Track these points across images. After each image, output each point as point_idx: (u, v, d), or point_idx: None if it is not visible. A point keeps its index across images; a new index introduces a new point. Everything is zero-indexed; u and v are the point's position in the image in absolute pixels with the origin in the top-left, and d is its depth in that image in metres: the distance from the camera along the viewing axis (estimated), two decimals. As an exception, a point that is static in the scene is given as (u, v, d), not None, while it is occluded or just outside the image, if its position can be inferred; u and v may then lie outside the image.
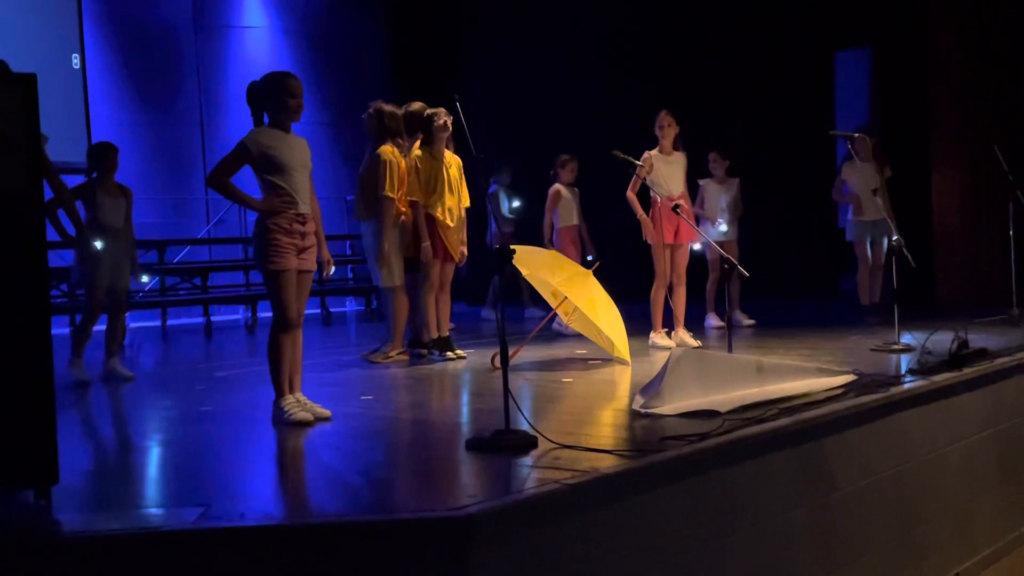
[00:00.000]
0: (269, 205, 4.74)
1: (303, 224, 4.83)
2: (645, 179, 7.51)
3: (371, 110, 7.32)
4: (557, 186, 9.43)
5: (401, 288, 7.24)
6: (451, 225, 7.16)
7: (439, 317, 7.24)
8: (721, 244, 8.24)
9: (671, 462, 3.68)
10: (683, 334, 7.57)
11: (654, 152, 7.59)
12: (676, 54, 11.49)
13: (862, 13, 10.44)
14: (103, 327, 7.01)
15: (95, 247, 6.68)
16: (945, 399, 5.18)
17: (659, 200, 7.52)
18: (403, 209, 7.15)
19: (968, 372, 5.40)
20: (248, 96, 4.88)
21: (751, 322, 8.71)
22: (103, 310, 6.88)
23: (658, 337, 7.51)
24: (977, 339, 5.93)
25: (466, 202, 7.32)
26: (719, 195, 9.03)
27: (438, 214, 7.09)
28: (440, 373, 6.69)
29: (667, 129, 7.56)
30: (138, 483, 4.02)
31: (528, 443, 3.92)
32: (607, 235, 10.19)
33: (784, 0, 10.96)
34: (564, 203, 9.41)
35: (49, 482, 3.36)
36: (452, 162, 7.24)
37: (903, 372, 5.32)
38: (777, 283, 10.39)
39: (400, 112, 7.34)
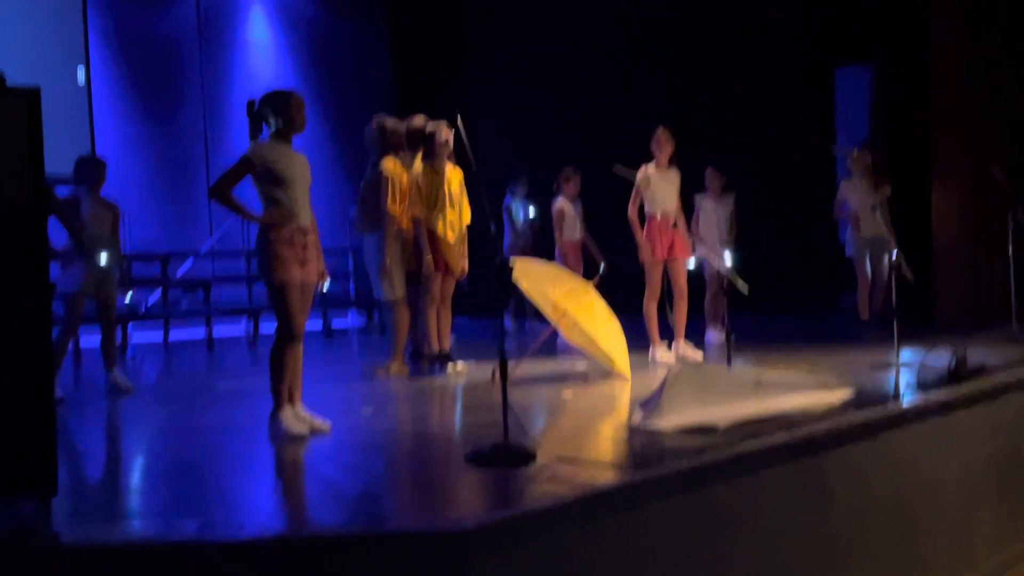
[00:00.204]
0: (271, 218, 4.78)
1: (304, 236, 4.87)
2: (642, 195, 7.56)
3: (373, 124, 7.35)
4: (561, 201, 9.46)
5: (402, 302, 7.25)
6: (452, 239, 7.18)
7: (440, 331, 7.25)
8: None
9: (670, 477, 3.70)
10: (684, 347, 7.58)
11: (650, 168, 7.62)
12: (678, 69, 11.53)
13: (863, 30, 10.48)
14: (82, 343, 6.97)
15: (98, 257, 6.67)
16: (944, 415, 5.18)
17: (657, 216, 7.55)
18: (405, 223, 7.18)
19: (967, 388, 5.40)
20: (251, 110, 4.92)
21: (722, 339, 8.62)
22: (80, 323, 6.84)
23: (658, 352, 7.52)
24: (976, 355, 5.93)
25: (467, 217, 7.34)
26: (715, 211, 9.04)
27: (439, 228, 7.11)
28: (440, 386, 6.70)
29: (664, 145, 7.60)
30: (137, 494, 4.03)
31: (527, 457, 3.93)
32: (609, 249, 10.21)
33: (785, 16, 11.00)
34: (567, 217, 9.44)
35: (49, 493, 3.38)
36: (453, 177, 7.27)
37: (902, 388, 5.32)
38: (778, 298, 10.39)
39: (402, 127, 7.37)
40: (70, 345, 7.37)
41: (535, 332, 9.35)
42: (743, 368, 5.88)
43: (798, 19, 10.90)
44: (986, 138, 9.43)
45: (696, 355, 7.56)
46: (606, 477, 3.62)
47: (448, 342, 7.33)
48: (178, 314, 12.05)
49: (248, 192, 4.87)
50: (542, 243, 10.08)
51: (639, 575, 3.51)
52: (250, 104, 4.95)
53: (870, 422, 4.68)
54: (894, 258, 6.68)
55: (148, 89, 12.98)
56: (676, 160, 7.72)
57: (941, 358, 5.66)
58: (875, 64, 10.50)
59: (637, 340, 7.33)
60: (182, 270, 12.85)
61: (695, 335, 8.03)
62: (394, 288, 7.18)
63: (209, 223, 13.32)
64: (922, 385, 5.32)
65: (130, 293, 7.36)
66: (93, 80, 12.27)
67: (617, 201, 7.87)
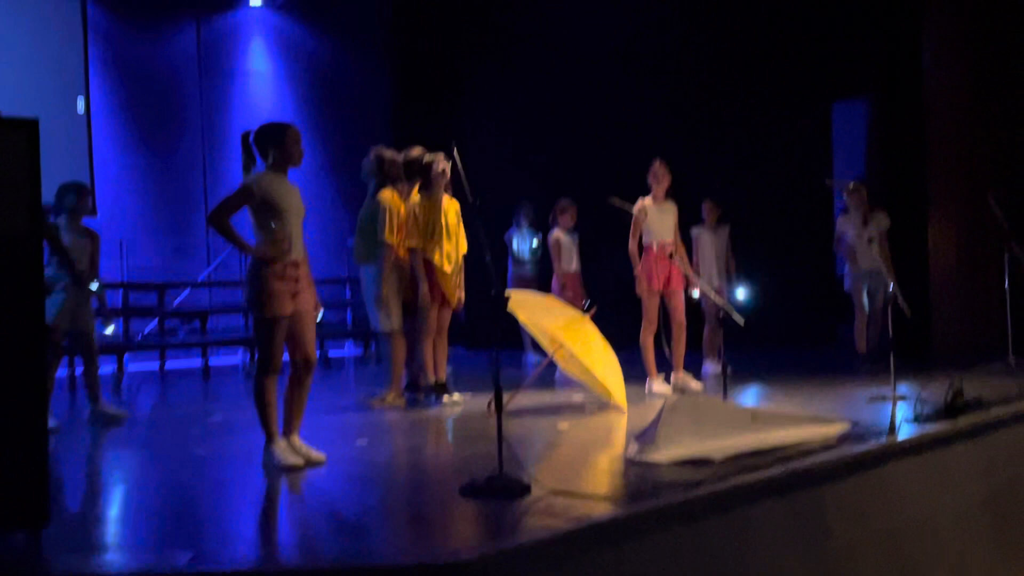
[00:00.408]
0: (266, 252, 4.77)
1: (296, 268, 4.87)
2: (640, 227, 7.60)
3: (372, 155, 7.39)
4: (557, 233, 9.49)
5: (399, 332, 7.26)
6: (449, 270, 7.19)
7: (436, 361, 7.25)
8: (716, 291, 8.27)
9: (665, 510, 3.69)
10: (684, 378, 7.58)
11: (647, 200, 7.66)
12: (676, 102, 11.59)
13: (860, 64, 10.55)
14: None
15: (81, 288, 6.59)
16: (940, 449, 5.17)
17: (654, 248, 7.58)
18: (402, 254, 7.19)
19: (963, 422, 5.40)
20: (245, 141, 4.94)
21: (718, 371, 8.60)
22: (60, 355, 6.63)
23: (655, 383, 7.51)
24: (972, 389, 5.93)
25: (463, 247, 7.36)
26: (712, 243, 9.07)
27: (436, 259, 7.13)
28: (436, 417, 6.68)
29: (661, 178, 7.65)
30: (129, 526, 4.01)
31: (522, 489, 3.92)
32: (607, 280, 10.22)
33: (783, 50, 11.08)
34: (564, 249, 9.47)
35: (40, 523, 3.36)
36: (450, 208, 7.29)
37: (898, 422, 5.31)
38: (775, 331, 10.39)
39: (400, 158, 7.40)
40: (59, 375, 7.25)
41: (532, 364, 9.35)
42: (739, 401, 5.87)
43: (796, 53, 10.98)
44: (982, 171, 9.48)
45: (696, 386, 7.56)
46: (601, 510, 3.61)
47: (444, 373, 7.33)
48: (174, 344, 12.04)
49: (243, 222, 4.88)
50: (544, 274, 10.09)
51: (634, 609, 3.49)
52: (244, 136, 4.97)
53: (866, 456, 4.67)
54: (890, 292, 6.70)
55: (148, 119, 13.04)
56: (673, 192, 7.76)
57: (937, 392, 5.65)
58: (871, 98, 10.57)
59: (634, 372, 7.33)
60: (179, 300, 12.85)
61: (692, 367, 8.03)
62: (391, 319, 7.19)
63: (207, 253, 13.33)
64: (918, 419, 5.31)
65: (111, 326, 7.16)
66: (93, 110, 12.34)
67: (614, 232, 7.89)
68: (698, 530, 3.77)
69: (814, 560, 4.29)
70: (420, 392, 7.24)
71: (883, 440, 4.88)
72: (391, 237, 7.10)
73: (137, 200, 12.92)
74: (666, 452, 4.50)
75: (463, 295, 7.36)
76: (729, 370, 6.76)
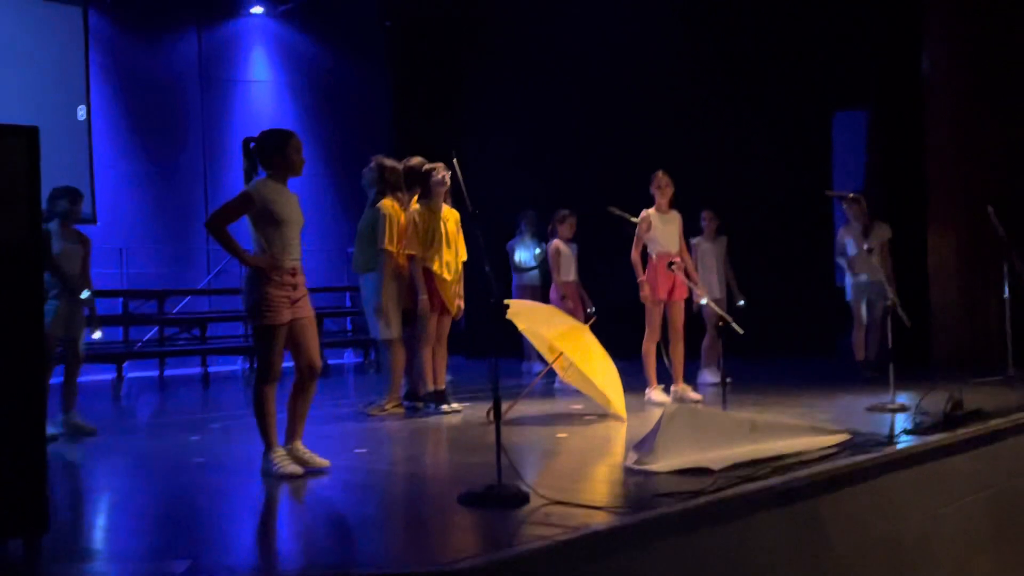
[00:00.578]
0: (263, 262, 4.77)
1: (294, 276, 4.87)
2: (644, 238, 7.61)
3: (372, 164, 7.40)
4: (556, 243, 9.49)
5: (399, 341, 7.26)
6: (448, 279, 7.20)
7: (436, 370, 7.25)
8: (716, 301, 8.28)
9: (663, 519, 3.68)
10: (683, 388, 7.58)
11: (651, 211, 7.68)
12: (676, 111, 11.60)
13: (860, 75, 10.57)
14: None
15: (73, 297, 6.52)
16: (939, 460, 5.16)
17: (654, 257, 7.60)
18: (401, 262, 7.20)
19: (962, 433, 5.39)
20: (247, 148, 4.93)
21: (717, 381, 8.59)
22: (53, 364, 6.47)
23: (654, 393, 7.51)
24: (972, 400, 5.92)
25: (463, 256, 7.36)
26: (711, 254, 9.08)
27: (435, 268, 7.13)
28: (435, 426, 6.68)
29: (664, 188, 7.67)
30: (127, 534, 4.00)
31: (520, 498, 3.91)
32: (608, 290, 10.22)
33: (783, 60, 11.10)
34: (563, 259, 9.47)
35: (38, 531, 3.36)
36: (449, 216, 7.30)
37: (898, 432, 5.31)
38: (775, 341, 10.39)
39: (400, 166, 7.41)
40: (53, 382, 7.13)
41: (534, 373, 9.35)
42: (738, 411, 5.86)
43: (796, 64, 11.00)
44: (982, 182, 9.48)
45: (695, 396, 7.55)
46: (599, 519, 3.60)
47: (444, 381, 7.32)
48: (174, 351, 12.05)
49: (241, 229, 4.88)
50: (547, 283, 10.09)
51: (632, 619, 3.49)
52: (246, 142, 4.97)
53: (866, 466, 4.66)
54: (889, 302, 6.70)
55: (148, 127, 13.07)
56: (675, 203, 7.79)
57: (936, 403, 5.65)
58: (871, 108, 10.58)
59: (633, 381, 7.33)
60: (178, 307, 12.86)
61: (690, 377, 8.02)
62: (391, 327, 7.19)
63: (207, 261, 13.35)
64: (917, 430, 5.31)
65: (98, 332, 7.07)
66: (93, 117, 12.36)
67: (614, 242, 7.90)
68: (697, 540, 3.77)
69: (813, 570, 4.29)
70: (419, 400, 7.24)
71: (882, 450, 4.87)
72: (391, 245, 7.10)
73: (137, 208, 12.94)
74: (665, 462, 4.50)
75: (463, 304, 7.36)
76: (729, 380, 6.78)
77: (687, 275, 7.63)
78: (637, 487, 4.22)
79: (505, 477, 4.00)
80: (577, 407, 7.30)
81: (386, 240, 7.09)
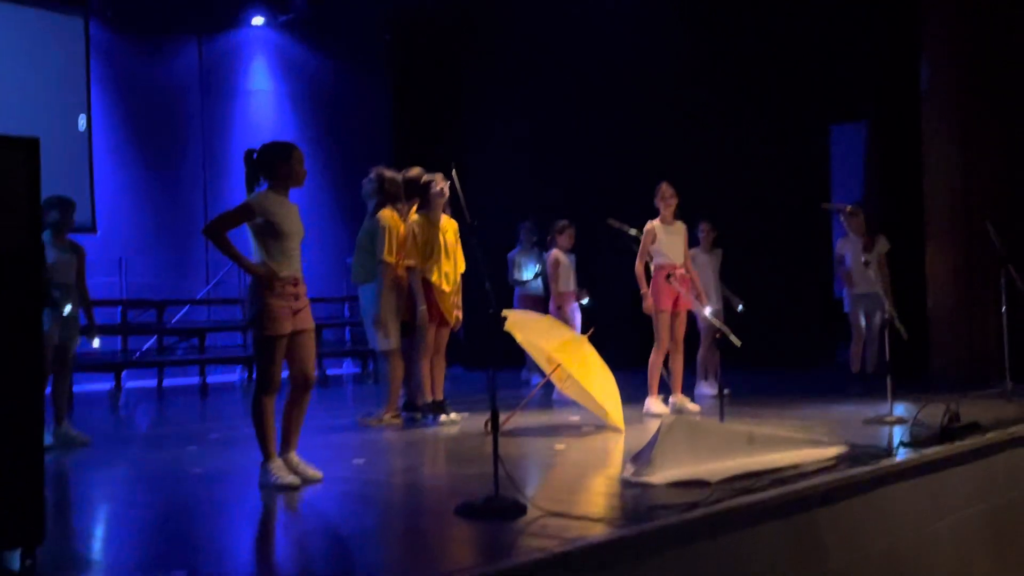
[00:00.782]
0: (262, 270, 4.78)
1: (296, 286, 4.88)
2: (649, 249, 7.63)
3: (372, 175, 7.42)
4: (555, 253, 9.51)
5: (397, 352, 7.26)
6: (447, 289, 7.21)
7: (434, 381, 7.25)
8: (713, 312, 8.29)
9: (660, 531, 3.68)
10: (681, 399, 7.59)
11: (656, 222, 7.70)
12: (675, 124, 11.64)
13: (858, 87, 10.61)
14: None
15: (63, 308, 6.45)
16: (936, 472, 5.17)
17: (654, 267, 7.62)
18: (400, 273, 7.21)
19: (959, 446, 5.40)
20: (249, 159, 4.95)
21: (714, 393, 8.59)
22: (49, 371, 6.42)
23: (653, 404, 7.51)
24: (969, 413, 5.93)
25: (462, 267, 7.38)
26: (708, 266, 9.11)
27: (434, 278, 7.15)
28: (433, 437, 6.68)
29: (668, 200, 7.71)
30: (124, 544, 4.00)
31: (517, 510, 3.92)
32: (605, 302, 10.22)
33: (781, 73, 11.14)
34: (562, 269, 9.49)
35: (35, 542, 3.36)
36: (448, 227, 7.32)
37: (895, 445, 5.31)
38: (774, 353, 10.40)
39: (399, 177, 7.43)
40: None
41: (533, 384, 9.35)
42: (736, 423, 5.87)
43: (794, 77, 11.04)
44: (980, 195, 9.50)
45: (693, 408, 7.56)
46: (596, 531, 3.61)
47: (442, 392, 7.33)
48: (172, 361, 12.05)
49: (241, 240, 4.89)
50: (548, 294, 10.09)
51: (628, 631, 3.49)
52: (248, 154, 4.98)
53: (863, 479, 4.67)
54: (887, 315, 6.71)
55: (149, 137, 13.10)
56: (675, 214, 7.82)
57: (933, 416, 5.66)
58: (869, 121, 10.61)
59: (632, 393, 7.34)
60: (177, 317, 12.86)
61: (687, 388, 8.03)
62: (389, 338, 7.20)
63: (206, 271, 13.36)
64: (915, 442, 5.31)
65: (96, 340, 7.02)
66: (94, 127, 12.39)
67: (611, 257, 7.91)
68: (694, 552, 3.77)
69: (810, 583, 4.29)
70: (417, 411, 7.25)
71: (880, 463, 4.87)
72: (390, 256, 7.12)
73: (137, 217, 12.95)
74: (662, 473, 4.51)
75: (461, 314, 7.37)
76: (727, 391, 6.79)
77: (692, 286, 7.66)
78: (634, 499, 4.23)
79: (503, 489, 4.01)
80: (575, 419, 7.30)
81: (385, 251, 7.10)
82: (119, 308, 11.95)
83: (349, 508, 4.48)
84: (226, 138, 13.77)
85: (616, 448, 6.07)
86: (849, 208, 8.83)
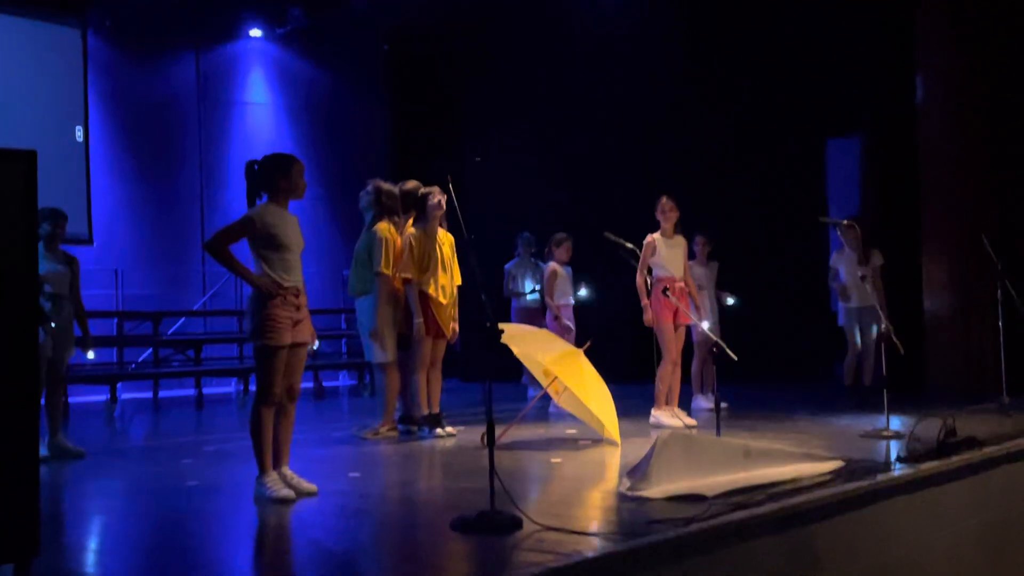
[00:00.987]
0: (265, 281, 4.78)
1: (296, 298, 4.89)
2: (649, 262, 7.65)
3: (369, 187, 7.42)
4: (553, 265, 9.51)
5: (393, 364, 7.26)
6: (444, 302, 7.21)
7: (430, 394, 7.24)
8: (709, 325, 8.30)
9: (657, 546, 3.67)
10: (678, 413, 7.58)
11: (656, 236, 7.72)
12: (671, 138, 11.66)
13: (854, 101, 10.64)
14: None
15: (52, 320, 6.43)
16: (933, 487, 5.16)
17: (657, 281, 7.63)
18: (397, 286, 7.21)
19: (956, 460, 5.39)
20: (251, 171, 4.95)
21: (710, 406, 8.59)
22: (43, 383, 6.38)
23: (663, 415, 7.50)
24: (966, 427, 5.93)
25: (458, 280, 7.38)
26: (704, 278, 9.12)
27: (431, 291, 7.15)
28: (429, 450, 6.67)
29: (669, 214, 7.73)
30: (119, 558, 3.98)
31: (513, 524, 3.90)
32: (602, 315, 10.22)
33: (778, 87, 11.17)
34: (560, 281, 9.48)
35: (30, 555, 3.35)
36: (445, 240, 7.32)
37: (891, 459, 5.31)
38: (770, 367, 10.40)
39: (396, 190, 7.43)
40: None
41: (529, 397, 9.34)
42: (732, 437, 5.86)
43: (791, 90, 11.07)
44: (975, 209, 9.52)
45: (690, 422, 7.55)
46: (592, 546, 3.60)
47: (438, 405, 7.32)
48: (168, 372, 12.02)
49: (241, 251, 4.89)
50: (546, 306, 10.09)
51: (624, 647, 3.47)
52: (250, 165, 4.98)
53: (859, 493, 4.66)
54: (883, 329, 6.72)
55: (146, 149, 13.10)
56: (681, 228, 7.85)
57: (930, 430, 5.65)
58: (864, 135, 10.64)
59: (629, 406, 7.33)
60: (173, 329, 12.84)
61: (682, 402, 8.03)
62: (386, 351, 7.19)
63: (203, 283, 13.35)
64: (911, 457, 5.31)
65: (91, 352, 7.00)
66: (91, 139, 12.40)
67: (609, 270, 7.91)
68: (690, 567, 3.76)
69: (806, 598, 4.28)
70: (413, 424, 7.23)
71: (876, 477, 4.87)
72: (387, 269, 7.12)
73: (134, 229, 12.95)
74: (659, 488, 4.50)
75: (457, 327, 7.37)
76: (725, 405, 6.78)
77: (691, 299, 7.67)
78: (631, 513, 4.22)
79: (498, 503, 4.00)
80: (571, 432, 7.29)
81: (382, 263, 7.10)
82: (115, 320, 11.93)
83: (344, 522, 4.46)
84: (223, 150, 13.78)
85: (612, 462, 6.05)
86: (846, 222, 8.85)
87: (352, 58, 14.33)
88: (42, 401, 6.50)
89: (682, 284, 7.70)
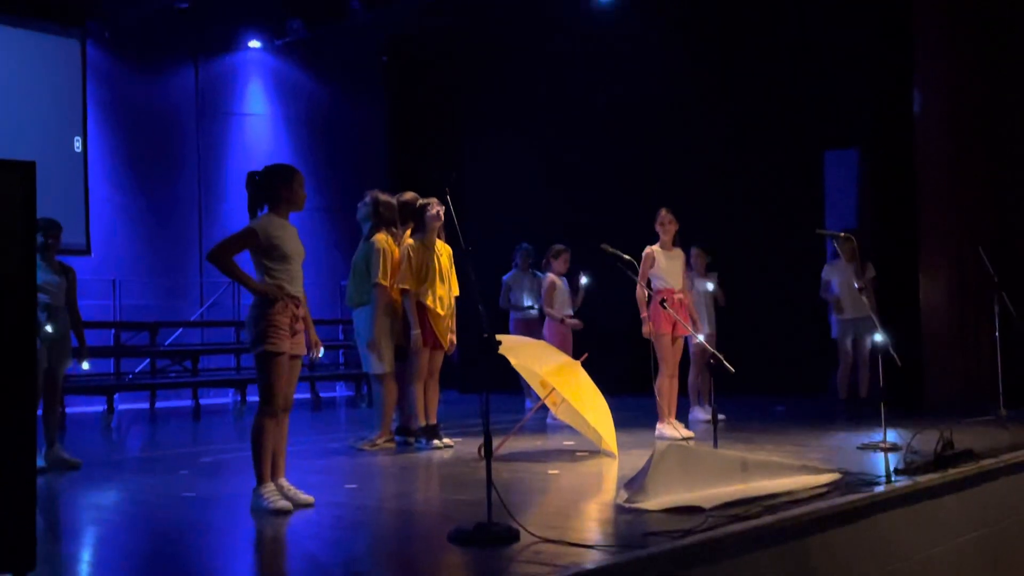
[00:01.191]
0: (270, 289, 4.79)
1: (297, 308, 4.89)
2: (648, 274, 7.65)
3: (367, 198, 7.43)
4: (551, 276, 9.51)
5: (391, 375, 7.25)
6: (441, 313, 7.21)
7: (428, 405, 7.24)
8: (706, 337, 8.30)
9: (654, 558, 3.67)
10: (675, 424, 7.58)
11: (656, 248, 7.72)
12: (668, 150, 11.69)
13: (851, 113, 10.66)
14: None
15: (47, 329, 6.43)
16: (930, 500, 5.16)
17: (655, 293, 7.64)
18: (395, 297, 7.21)
19: (953, 473, 5.39)
20: (252, 182, 4.96)
21: (708, 418, 8.60)
22: (39, 394, 6.37)
23: (666, 427, 7.49)
24: (963, 440, 5.93)
25: (456, 291, 7.38)
26: (701, 290, 9.13)
27: (429, 302, 7.15)
28: (426, 462, 6.66)
29: (668, 226, 7.74)
30: (115, 569, 3.98)
31: (510, 536, 3.90)
32: (600, 327, 10.21)
33: (775, 99, 11.20)
34: (558, 293, 9.49)
35: (26, 567, 3.34)
36: (443, 251, 7.33)
37: (889, 472, 5.30)
38: (766, 379, 10.40)
39: (395, 201, 7.44)
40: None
41: (527, 408, 9.33)
42: (730, 449, 5.86)
43: (788, 102, 11.09)
44: (972, 222, 9.54)
45: (687, 434, 7.55)
46: (590, 558, 3.59)
47: (435, 416, 7.31)
48: (165, 383, 12.01)
49: (242, 261, 4.89)
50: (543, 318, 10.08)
51: (621, 660, 3.47)
52: (251, 176, 5.00)
53: (856, 506, 4.66)
54: (878, 341, 6.72)
55: (145, 159, 13.12)
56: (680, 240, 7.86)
57: (927, 442, 5.65)
58: (861, 147, 10.66)
59: (627, 418, 7.32)
60: (170, 339, 12.83)
61: (679, 414, 8.02)
62: (383, 362, 7.19)
63: (200, 294, 13.35)
64: (909, 469, 5.31)
65: (86, 363, 6.97)
66: (90, 149, 12.41)
67: (606, 282, 7.91)
68: (687, 579, 3.76)
69: (804, 611, 4.27)
70: (411, 435, 7.22)
71: (873, 490, 4.87)
72: (384, 280, 7.12)
73: (132, 239, 12.96)
74: (656, 500, 4.49)
75: (455, 338, 7.37)
76: (722, 417, 6.77)
77: (688, 312, 7.67)
78: (628, 525, 4.21)
79: (496, 514, 3.99)
80: (569, 443, 7.29)
81: (379, 274, 7.11)
82: (112, 330, 11.93)
83: (341, 534, 4.45)
84: (222, 161, 13.80)
85: (610, 474, 6.05)
86: (843, 234, 8.87)
87: (351, 69, 14.36)
88: (39, 412, 6.50)
89: (680, 296, 7.71)
